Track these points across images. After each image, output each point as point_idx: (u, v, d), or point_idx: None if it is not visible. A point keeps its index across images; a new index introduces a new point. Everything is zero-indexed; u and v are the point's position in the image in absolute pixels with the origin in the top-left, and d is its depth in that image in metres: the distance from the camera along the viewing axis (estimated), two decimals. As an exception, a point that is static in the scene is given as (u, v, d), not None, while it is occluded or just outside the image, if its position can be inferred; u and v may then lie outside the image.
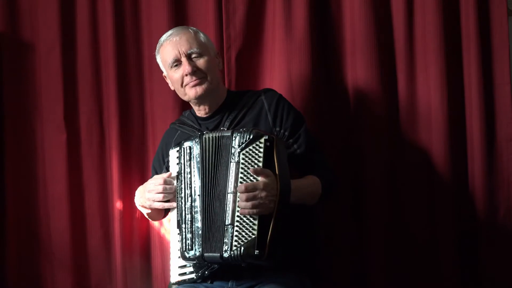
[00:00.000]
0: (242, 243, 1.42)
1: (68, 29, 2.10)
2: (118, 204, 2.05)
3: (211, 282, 1.55)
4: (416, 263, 1.97)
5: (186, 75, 1.63)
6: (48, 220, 2.10)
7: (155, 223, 2.07)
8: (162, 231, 2.06)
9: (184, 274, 1.56)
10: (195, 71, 1.62)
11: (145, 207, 1.71)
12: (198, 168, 1.52)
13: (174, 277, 1.58)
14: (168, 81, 1.76)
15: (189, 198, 1.52)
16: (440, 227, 1.96)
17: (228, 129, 1.63)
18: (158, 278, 2.08)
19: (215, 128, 1.68)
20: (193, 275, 1.55)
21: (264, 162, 1.44)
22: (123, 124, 2.08)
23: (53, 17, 2.09)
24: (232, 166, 1.47)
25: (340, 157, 2.01)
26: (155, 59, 2.07)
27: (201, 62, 1.64)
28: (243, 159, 1.46)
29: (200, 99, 1.67)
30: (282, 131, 1.65)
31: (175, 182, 1.59)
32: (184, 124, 1.76)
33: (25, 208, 2.11)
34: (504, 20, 1.96)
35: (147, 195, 1.62)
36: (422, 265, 1.97)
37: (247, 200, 1.40)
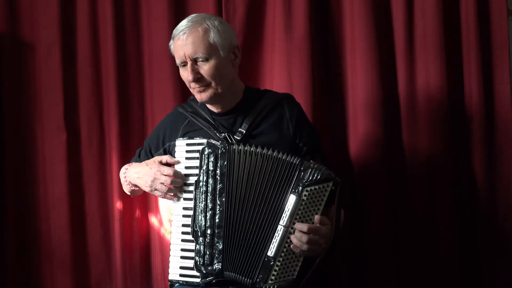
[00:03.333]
0: (279, 280, 1.42)
1: (68, 29, 2.10)
2: (118, 204, 2.05)
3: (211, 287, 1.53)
4: (416, 263, 1.97)
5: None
6: (48, 220, 2.10)
7: (155, 223, 2.07)
8: (162, 231, 2.06)
9: (187, 276, 1.53)
10: (198, 79, 1.55)
11: (133, 185, 1.66)
12: (224, 181, 1.48)
13: (174, 276, 1.55)
14: None
15: (210, 211, 1.48)
16: (440, 227, 1.96)
17: (246, 131, 1.59)
18: (158, 278, 2.08)
19: (231, 126, 1.63)
20: (197, 280, 1.51)
21: (325, 205, 1.44)
22: (123, 124, 2.08)
23: (53, 17, 2.09)
24: (292, 199, 1.43)
25: (339, 156, 2.01)
26: (155, 58, 2.08)
27: (205, 69, 1.54)
28: (305, 196, 1.43)
29: (207, 103, 1.63)
30: (301, 144, 1.63)
31: (191, 179, 1.53)
32: (197, 114, 1.67)
33: (25, 208, 2.11)
34: (504, 20, 1.96)
35: (151, 182, 1.57)
36: (422, 265, 1.97)
37: (308, 242, 1.40)
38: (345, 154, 2.02)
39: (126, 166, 1.75)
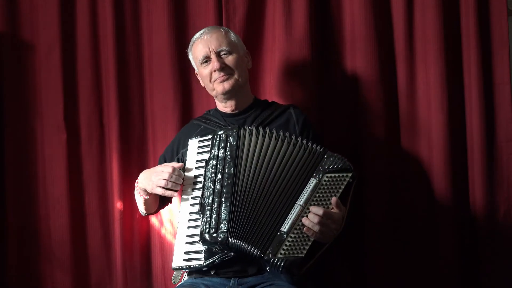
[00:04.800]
0: (288, 255, 1.44)
1: (68, 29, 2.10)
2: (118, 204, 2.05)
3: (215, 273, 1.55)
4: (416, 263, 1.97)
5: (215, 71, 1.70)
6: (48, 220, 2.10)
7: (155, 223, 2.07)
8: (162, 231, 2.06)
9: (190, 260, 1.55)
10: (223, 68, 1.70)
11: (144, 193, 1.70)
12: (233, 155, 1.56)
13: (178, 262, 1.56)
14: (199, 78, 1.82)
15: (219, 184, 1.54)
16: (440, 227, 1.96)
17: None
18: (158, 278, 2.08)
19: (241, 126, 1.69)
20: (201, 262, 1.53)
21: (340, 195, 1.51)
22: (123, 124, 2.08)
23: (53, 17, 2.08)
24: (312, 182, 1.52)
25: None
26: (155, 58, 2.08)
27: (229, 59, 1.71)
28: (325, 181, 1.52)
29: (227, 95, 1.73)
30: None
31: (201, 171, 1.60)
32: (209, 120, 1.79)
33: (25, 208, 2.11)
34: (504, 20, 1.96)
35: (153, 178, 1.63)
36: (422, 265, 1.97)
37: (319, 224, 1.44)
38: (346, 155, 2.01)
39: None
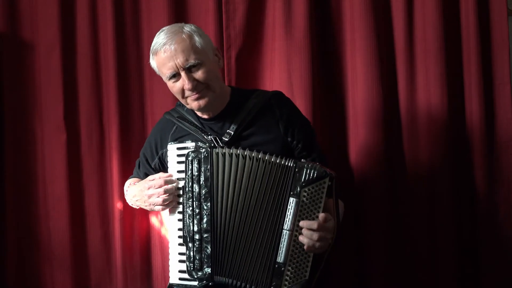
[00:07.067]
0: (293, 283, 1.43)
1: (68, 29, 2.10)
2: (118, 204, 2.05)
3: None
4: (416, 263, 1.97)
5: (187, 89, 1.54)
6: (48, 220, 2.10)
7: (155, 223, 2.07)
8: (162, 231, 2.06)
9: (185, 279, 1.53)
10: (195, 86, 1.52)
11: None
12: (208, 185, 1.48)
13: (174, 279, 1.56)
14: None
15: (197, 216, 1.49)
16: (440, 227, 1.96)
17: (235, 132, 1.57)
18: (158, 278, 2.08)
19: (220, 129, 1.61)
20: (195, 283, 1.51)
21: (324, 201, 1.44)
22: (123, 124, 2.08)
23: (53, 17, 2.08)
24: (292, 202, 1.44)
25: (339, 157, 2.01)
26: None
27: (200, 74, 1.51)
28: (304, 196, 1.43)
29: (203, 110, 1.59)
30: (295, 142, 1.60)
31: (180, 191, 1.55)
32: (183, 119, 1.66)
33: (25, 208, 2.11)
34: (504, 20, 1.96)
35: (148, 199, 1.57)
36: (422, 265, 1.97)
37: (318, 239, 1.41)
38: (345, 154, 2.02)
39: (128, 183, 1.78)
